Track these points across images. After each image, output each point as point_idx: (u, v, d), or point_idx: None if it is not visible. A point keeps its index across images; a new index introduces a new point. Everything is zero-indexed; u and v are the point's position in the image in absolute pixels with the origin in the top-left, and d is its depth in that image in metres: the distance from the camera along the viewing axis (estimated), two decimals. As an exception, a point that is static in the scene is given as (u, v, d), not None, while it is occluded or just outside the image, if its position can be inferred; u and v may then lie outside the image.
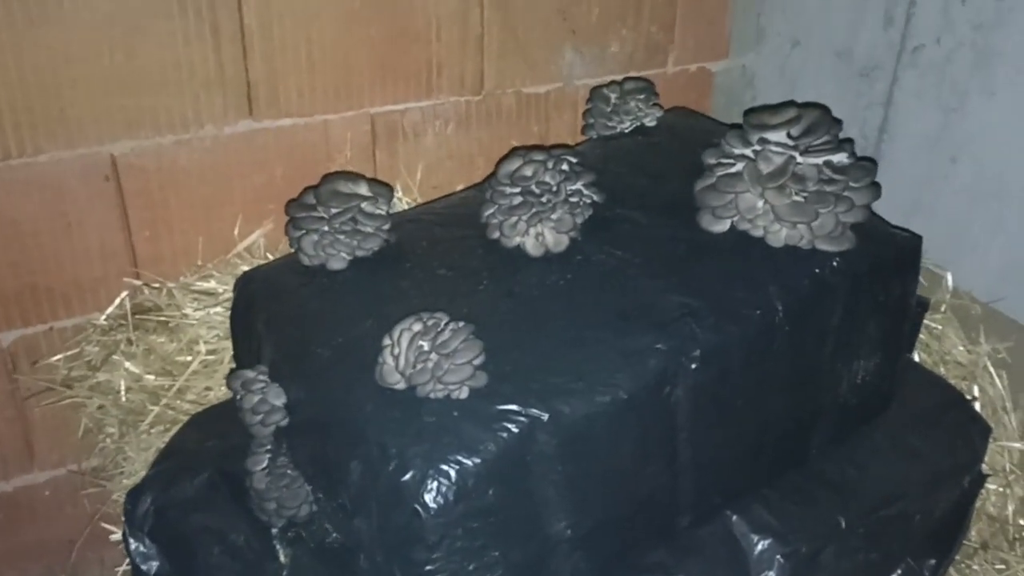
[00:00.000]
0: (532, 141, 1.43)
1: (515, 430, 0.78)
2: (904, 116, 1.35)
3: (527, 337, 0.85)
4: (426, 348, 0.78)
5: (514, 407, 0.79)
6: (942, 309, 1.26)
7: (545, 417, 0.79)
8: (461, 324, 0.80)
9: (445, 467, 0.76)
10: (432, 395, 0.79)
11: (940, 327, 1.25)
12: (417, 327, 0.79)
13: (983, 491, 1.14)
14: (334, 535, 0.93)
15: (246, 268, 1.25)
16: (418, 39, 1.29)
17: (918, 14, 1.30)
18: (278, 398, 0.90)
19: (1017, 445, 1.18)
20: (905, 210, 1.36)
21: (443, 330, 0.79)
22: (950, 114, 1.27)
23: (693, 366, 0.85)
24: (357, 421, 0.81)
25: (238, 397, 0.91)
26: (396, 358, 0.79)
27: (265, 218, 1.28)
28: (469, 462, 0.76)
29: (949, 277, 1.28)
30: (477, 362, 0.79)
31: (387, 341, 0.80)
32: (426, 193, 1.37)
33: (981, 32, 1.21)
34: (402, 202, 1.34)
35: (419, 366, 0.78)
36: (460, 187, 1.40)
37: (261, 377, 0.91)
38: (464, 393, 0.79)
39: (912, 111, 1.33)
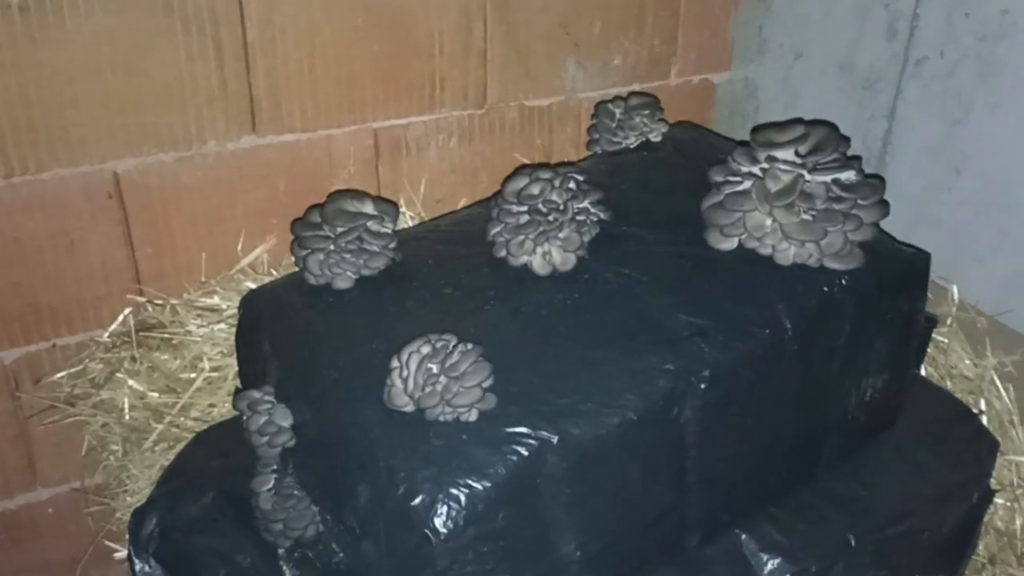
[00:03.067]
0: (535, 154, 1.43)
1: (525, 453, 0.78)
2: (908, 128, 1.34)
3: (535, 357, 0.85)
4: (435, 371, 0.78)
5: (524, 429, 0.78)
6: (947, 322, 1.26)
7: (555, 439, 0.78)
8: (470, 346, 0.80)
9: (455, 491, 0.75)
10: (441, 418, 0.78)
11: (946, 340, 1.25)
12: (426, 349, 0.79)
13: (991, 505, 1.13)
14: (341, 556, 0.92)
15: (249, 284, 1.25)
16: (421, 53, 1.28)
17: (921, 27, 1.29)
18: (285, 419, 0.89)
19: (1024, 459, 1.17)
20: (909, 222, 1.36)
21: (452, 352, 0.79)
22: (954, 126, 1.27)
23: (702, 386, 0.85)
24: (365, 443, 0.81)
25: (244, 418, 0.91)
26: (405, 380, 0.78)
27: (268, 233, 1.28)
28: (479, 486, 0.76)
29: (954, 290, 1.28)
30: (486, 384, 0.78)
31: (395, 363, 0.79)
32: (429, 207, 1.37)
33: (985, 44, 1.21)
34: (405, 216, 1.33)
35: (428, 389, 0.77)
36: (463, 201, 1.41)
37: (267, 398, 0.91)
38: (473, 416, 0.78)
39: (916, 123, 1.33)
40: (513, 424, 0.79)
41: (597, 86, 1.44)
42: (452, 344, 0.79)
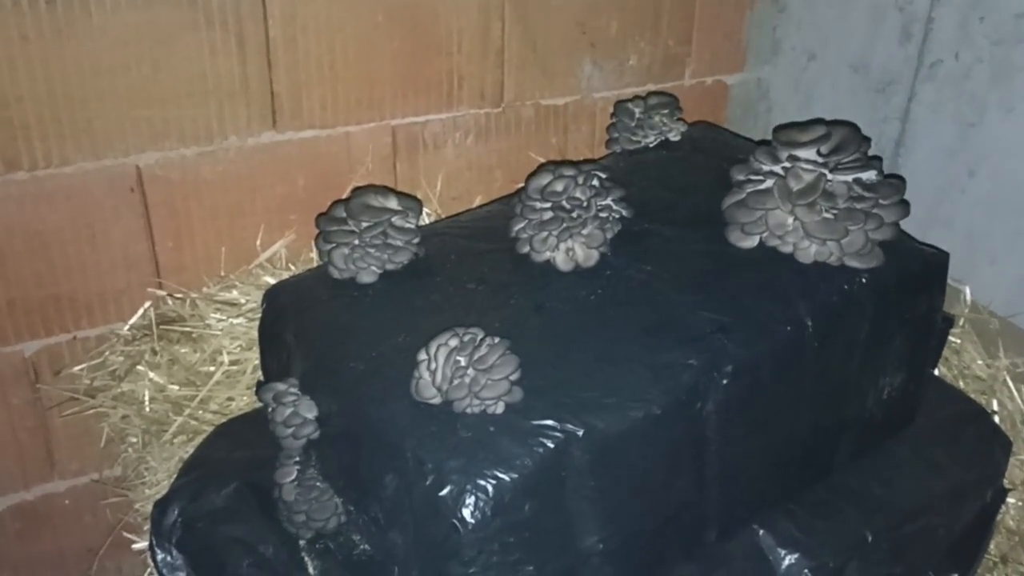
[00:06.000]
0: (551, 153, 1.44)
1: (551, 445, 0.78)
2: (921, 130, 1.36)
3: (559, 352, 0.86)
4: (463, 363, 0.78)
5: (550, 422, 0.79)
6: (960, 323, 1.27)
7: (580, 432, 0.79)
8: (497, 340, 0.81)
9: (482, 482, 0.76)
10: (468, 410, 0.79)
11: (959, 341, 1.26)
12: (454, 342, 0.80)
13: (1003, 504, 1.14)
14: (362, 547, 0.93)
15: (268, 278, 1.26)
16: (439, 52, 1.29)
17: (936, 30, 1.31)
18: (310, 411, 0.90)
19: (1036, 459, 1.18)
20: (922, 223, 1.36)
21: (480, 345, 0.80)
22: (968, 128, 1.28)
23: (724, 381, 0.86)
24: (392, 435, 0.81)
25: (270, 409, 0.92)
26: (433, 373, 0.79)
27: (287, 228, 1.29)
28: (506, 477, 0.76)
29: (967, 291, 1.29)
30: (514, 377, 0.79)
31: (423, 356, 0.80)
32: (445, 204, 1.38)
33: (1000, 47, 1.22)
34: (423, 213, 1.34)
35: (456, 381, 0.78)
36: (479, 198, 1.42)
37: (292, 390, 0.91)
38: (500, 408, 0.79)
39: (930, 125, 1.34)
40: (539, 417, 0.79)
41: (612, 86, 1.45)
42: (480, 337, 0.80)
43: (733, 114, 1.60)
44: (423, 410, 0.81)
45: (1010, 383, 1.23)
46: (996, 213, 1.26)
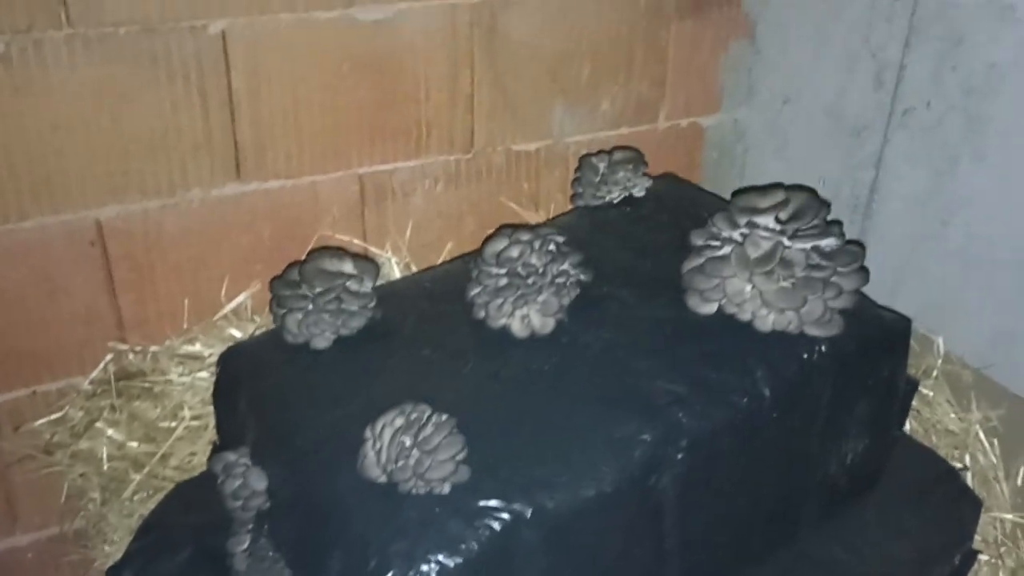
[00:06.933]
0: (522, 198, 1.43)
1: (497, 527, 0.77)
2: (895, 177, 1.34)
3: (512, 425, 0.84)
4: (408, 444, 0.77)
5: (496, 503, 0.78)
6: (933, 375, 1.25)
7: (528, 512, 0.78)
8: (444, 417, 0.79)
9: (425, 567, 0.74)
10: (414, 491, 0.78)
11: (931, 393, 1.24)
12: (399, 422, 0.78)
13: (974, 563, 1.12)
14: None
15: (232, 330, 1.24)
16: (407, 100, 1.28)
17: (907, 78, 1.30)
18: (260, 482, 0.89)
19: (1009, 516, 1.17)
20: (896, 270, 1.36)
21: (425, 425, 0.78)
22: (941, 177, 1.27)
23: (679, 455, 0.84)
24: (339, 513, 0.80)
25: (219, 480, 0.90)
26: (378, 452, 0.78)
27: (252, 279, 1.27)
28: (450, 562, 0.75)
29: (940, 342, 1.27)
30: (460, 457, 0.78)
31: (368, 434, 0.79)
32: (415, 251, 1.37)
33: (972, 98, 1.21)
34: (391, 262, 1.33)
35: (400, 462, 0.77)
36: (450, 245, 1.40)
37: (243, 460, 0.90)
38: (446, 489, 0.78)
39: (903, 173, 1.33)
40: (486, 497, 0.78)
41: (585, 130, 1.44)
42: (426, 416, 0.79)
43: (709, 156, 1.59)
44: (370, 488, 0.80)
45: (983, 437, 1.21)
46: (970, 264, 1.25)
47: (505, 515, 0.77)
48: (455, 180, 1.37)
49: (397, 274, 1.32)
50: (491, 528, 0.77)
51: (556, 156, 1.43)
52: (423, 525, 0.77)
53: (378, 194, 1.32)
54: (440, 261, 1.38)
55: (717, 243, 0.91)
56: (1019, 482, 1.19)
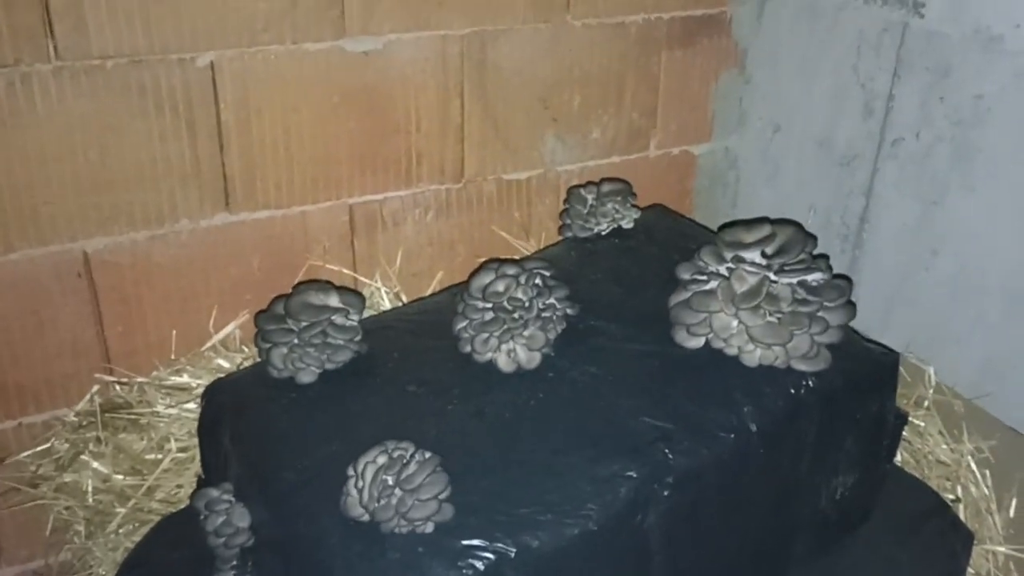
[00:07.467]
0: (514, 227, 1.43)
1: (481, 567, 0.76)
2: (885, 206, 1.34)
3: (496, 463, 0.84)
4: (390, 483, 0.76)
5: (480, 542, 0.77)
6: (924, 405, 1.25)
7: (512, 553, 0.77)
8: (427, 456, 0.79)
9: (408, 610, 0.74)
10: (396, 530, 0.77)
11: (923, 424, 1.23)
12: (382, 460, 0.78)
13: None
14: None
15: (221, 361, 1.24)
16: (398, 130, 1.28)
17: (896, 108, 1.30)
18: (242, 520, 0.88)
19: (1002, 549, 1.16)
20: (887, 300, 1.35)
21: (408, 463, 0.77)
22: (931, 207, 1.27)
23: (665, 492, 0.83)
24: (321, 554, 0.79)
25: (202, 517, 0.89)
26: (360, 491, 0.77)
27: (241, 309, 1.27)
28: (433, 604, 0.74)
29: (931, 371, 1.27)
30: (443, 496, 0.77)
31: (351, 473, 0.78)
32: (405, 280, 1.37)
33: (960, 128, 1.21)
34: (381, 292, 1.33)
35: (383, 501, 0.76)
36: (440, 274, 1.40)
37: (226, 497, 0.89)
38: (429, 528, 0.77)
39: (893, 202, 1.33)
40: (470, 536, 0.77)
41: (576, 159, 1.44)
42: (409, 454, 0.78)
43: (701, 184, 1.59)
44: (353, 527, 0.79)
45: (974, 468, 1.20)
46: (960, 293, 1.24)
47: (489, 555, 0.76)
48: (446, 209, 1.37)
49: (387, 304, 1.31)
50: (475, 568, 0.76)
51: (547, 185, 1.43)
52: (406, 566, 0.76)
53: (368, 223, 1.32)
54: (431, 290, 1.38)
55: (703, 277, 0.90)
56: (1011, 514, 1.18)
